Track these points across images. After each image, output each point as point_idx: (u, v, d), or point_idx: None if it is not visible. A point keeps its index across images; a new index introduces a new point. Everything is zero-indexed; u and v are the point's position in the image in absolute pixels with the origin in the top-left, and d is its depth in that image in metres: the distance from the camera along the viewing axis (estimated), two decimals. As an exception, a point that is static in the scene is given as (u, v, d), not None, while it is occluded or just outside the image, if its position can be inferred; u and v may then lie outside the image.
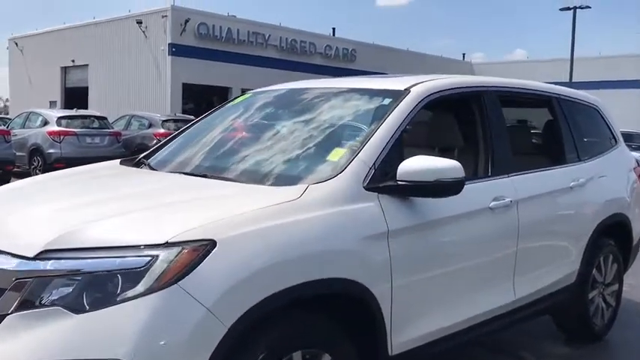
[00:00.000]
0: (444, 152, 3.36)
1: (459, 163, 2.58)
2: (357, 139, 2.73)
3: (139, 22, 27.38)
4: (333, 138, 2.86)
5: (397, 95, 2.94)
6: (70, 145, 14.13)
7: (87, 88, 30.49)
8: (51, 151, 14.09)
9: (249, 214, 2.18)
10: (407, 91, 2.96)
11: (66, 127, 14.30)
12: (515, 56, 53.95)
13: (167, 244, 1.94)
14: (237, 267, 2.00)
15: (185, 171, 2.90)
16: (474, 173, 3.28)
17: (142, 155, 3.44)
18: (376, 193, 2.53)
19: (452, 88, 3.18)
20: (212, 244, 1.97)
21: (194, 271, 1.91)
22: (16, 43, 35.30)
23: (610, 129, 4.56)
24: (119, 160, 3.43)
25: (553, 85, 4.15)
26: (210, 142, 3.23)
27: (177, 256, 1.91)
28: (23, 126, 15.20)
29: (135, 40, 28.11)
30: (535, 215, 3.35)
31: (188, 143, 3.36)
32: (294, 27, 31.64)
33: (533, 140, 4.34)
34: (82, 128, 14.72)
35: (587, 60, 36.13)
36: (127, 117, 17.91)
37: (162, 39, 26.97)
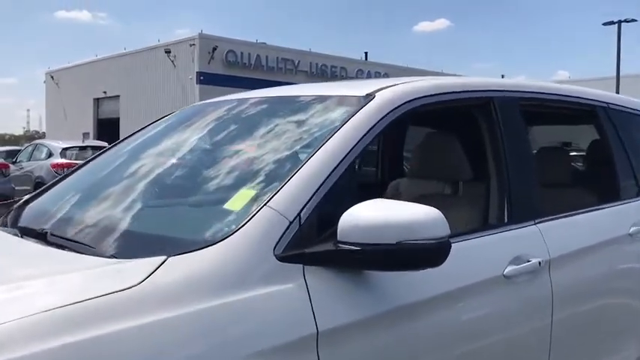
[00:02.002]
0: (432, 189, 2.34)
1: (440, 213, 1.52)
2: (281, 172, 1.71)
3: (168, 52, 27.19)
4: (248, 172, 1.83)
5: (352, 104, 1.91)
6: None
7: (118, 118, 30.37)
8: (54, 184, 13.29)
9: (33, 320, 1.18)
10: (369, 97, 1.92)
11: (70, 158, 13.62)
12: (558, 77, 51.85)
13: None
14: None
15: (37, 228, 1.91)
16: (481, 221, 2.20)
17: (22, 200, 2.47)
18: (300, 266, 1.50)
19: (442, 93, 2.11)
20: None
21: None
22: (52, 77, 35.79)
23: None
24: None
25: (601, 92, 3.01)
26: (94, 180, 2.26)
27: None
28: (29, 158, 14.67)
29: (163, 69, 27.90)
30: (578, 283, 2.24)
31: (75, 183, 2.38)
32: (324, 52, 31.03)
33: (573, 168, 3.19)
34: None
35: (634, 77, 34.15)
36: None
37: (191, 67, 26.66)
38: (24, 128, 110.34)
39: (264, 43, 29.41)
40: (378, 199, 1.59)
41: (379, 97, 1.92)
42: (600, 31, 57.86)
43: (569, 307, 2.18)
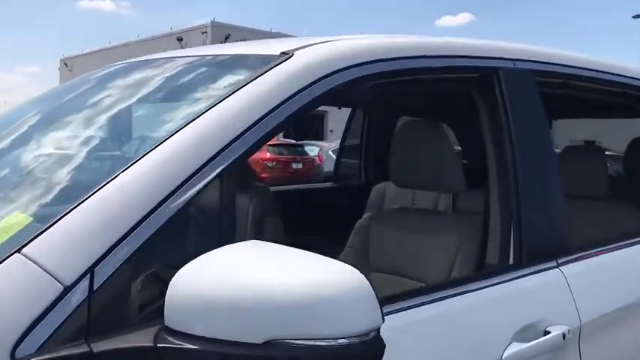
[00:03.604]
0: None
1: (364, 280, 0.75)
2: (86, 183, 0.95)
3: (180, 39, 26.64)
4: (35, 178, 1.08)
5: (259, 64, 1.14)
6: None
7: (130, 107, 29.93)
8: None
9: None
10: (285, 57, 1.15)
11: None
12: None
13: None
14: None
15: None
16: (472, 261, 1.43)
17: None
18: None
19: (409, 58, 1.29)
20: None
21: None
22: (66, 64, 35.61)
23: None
24: None
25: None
26: None
27: None
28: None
29: (175, 57, 27.38)
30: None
31: None
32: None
33: (610, 177, 2.39)
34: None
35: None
36: None
37: (203, 56, 26.05)
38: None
39: (279, 33, 28.64)
40: (251, 242, 0.82)
41: (299, 58, 1.14)
42: (630, 23, 56.00)
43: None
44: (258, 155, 12.72)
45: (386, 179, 2.84)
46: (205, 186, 0.91)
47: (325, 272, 0.74)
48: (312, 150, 14.05)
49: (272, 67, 1.11)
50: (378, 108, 3.04)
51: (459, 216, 1.62)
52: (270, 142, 13.41)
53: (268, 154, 12.71)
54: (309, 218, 2.79)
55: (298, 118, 1.09)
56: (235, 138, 0.96)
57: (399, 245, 1.67)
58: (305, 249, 2.57)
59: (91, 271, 0.78)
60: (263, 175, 12.28)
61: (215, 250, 0.78)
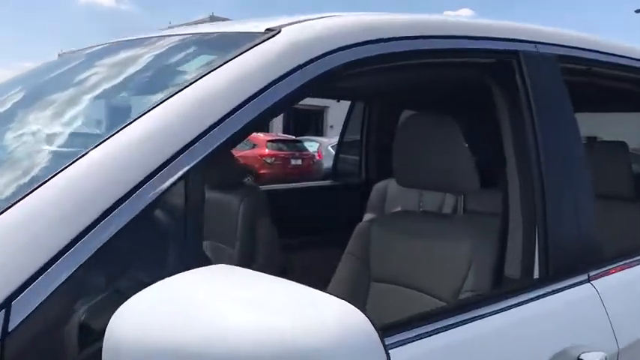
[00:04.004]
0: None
1: (367, 324, 0.56)
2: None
3: (178, 34, 26.43)
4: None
5: (241, 43, 0.94)
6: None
7: (128, 102, 29.75)
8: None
9: None
10: (271, 32, 0.96)
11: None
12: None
13: None
14: None
15: None
16: (489, 274, 1.24)
17: None
18: None
19: (416, 37, 1.09)
20: None
21: None
22: (64, 59, 35.47)
23: None
24: None
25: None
26: None
27: None
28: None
29: (174, 52, 27.17)
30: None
31: None
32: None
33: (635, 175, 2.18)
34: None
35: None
36: None
37: (201, 51, 25.84)
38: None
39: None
40: (217, 267, 0.63)
41: (287, 35, 0.95)
42: (633, 18, 55.78)
43: None
44: (256, 151, 12.52)
45: (388, 177, 2.65)
46: (167, 189, 0.72)
47: (317, 313, 0.55)
48: (312, 146, 13.84)
49: (254, 46, 0.92)
50: (380, 99, 2.84)
51: (471, 219, 1.43)
52: (268, 138, 13.20)
53: (267, 150, 12.50)
54: (306, 219, 2.61)
55: (286, 106, 0.90)
56: (203, 132, 0.77)
57: (403, 252, 1.49)
58: (302, 250, 2.33)
59: (6, 306, 0.59)
60: (261, 172, 12.08)
61: (169, 279, 0.60)
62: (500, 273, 1.24)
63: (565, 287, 1.13)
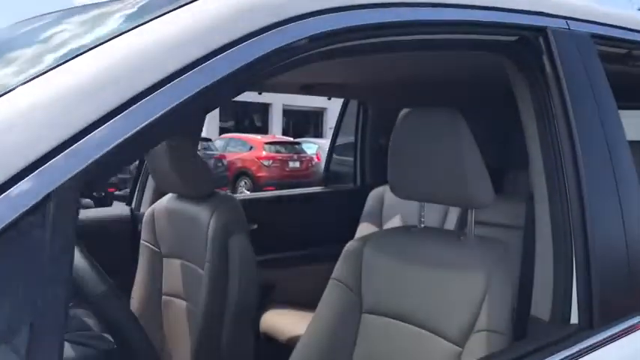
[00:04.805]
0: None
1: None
2: None
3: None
4: None
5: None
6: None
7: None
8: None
9: None
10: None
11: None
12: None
13: None
14: None
15: None
16: (509, 314, 0.96)
17: None
18: None
19: (414, 4, 0.83)
20: None
21: None
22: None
23: None
24: None
25: None
26: None
27: None
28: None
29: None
30: None
31: None
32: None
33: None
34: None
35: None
36: None
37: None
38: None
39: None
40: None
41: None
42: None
43: None
44: (253, 153, 12.26)
45: (385, 182, 2.38)
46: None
47: None
48: (310, 148, 13.55)
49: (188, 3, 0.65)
50: (376, 95, 2.57)
51: (485, 239, 1.16)
52: (266, 140, 12.91)
53: (264, 153, 12.25)
54: (293, 229, 2.34)
55: (235, 88, 0.64)
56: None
57: (400, 279, 1.21)
58: (289, 266, 1.98)
59: None
60: (259, 175, 11.82)
61: None
62: (526, 311, 0.96)
63: (614, 337, 0.85)
